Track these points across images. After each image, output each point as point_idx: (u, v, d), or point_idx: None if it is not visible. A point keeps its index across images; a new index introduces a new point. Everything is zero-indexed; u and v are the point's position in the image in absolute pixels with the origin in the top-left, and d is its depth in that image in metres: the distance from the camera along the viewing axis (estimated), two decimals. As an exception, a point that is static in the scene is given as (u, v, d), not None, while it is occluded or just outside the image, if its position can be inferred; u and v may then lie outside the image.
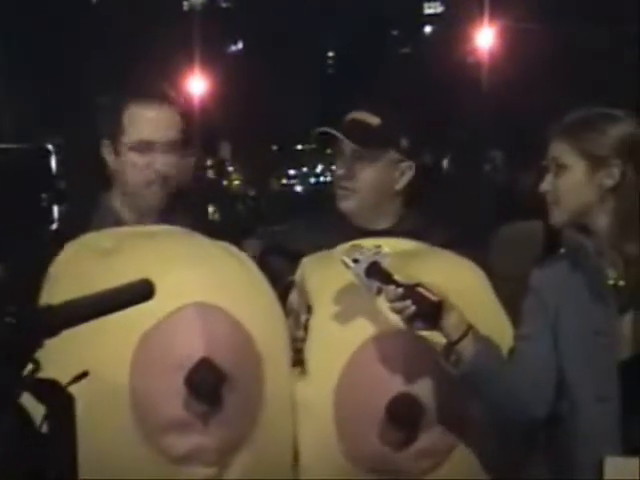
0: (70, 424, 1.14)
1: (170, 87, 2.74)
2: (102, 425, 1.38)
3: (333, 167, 2.93)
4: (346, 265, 2.31)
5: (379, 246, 2.33)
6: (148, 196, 2.61)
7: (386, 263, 2.29)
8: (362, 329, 2.40)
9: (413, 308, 2.23)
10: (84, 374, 1.13)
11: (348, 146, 2.71)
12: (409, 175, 2.77)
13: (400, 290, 2.24)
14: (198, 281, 2.32)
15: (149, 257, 2.32)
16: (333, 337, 2.42)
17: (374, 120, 2.73)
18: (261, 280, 2.48)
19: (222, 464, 2.26)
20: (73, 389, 1.14)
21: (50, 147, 8.49)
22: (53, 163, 8.44)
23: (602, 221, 2.36)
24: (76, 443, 1.15)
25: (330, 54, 41.47)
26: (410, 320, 2.25)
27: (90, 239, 2.42)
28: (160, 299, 1.50)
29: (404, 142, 2.75)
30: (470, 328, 2.27)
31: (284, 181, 34.02)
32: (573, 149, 2.37)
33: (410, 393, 2.30)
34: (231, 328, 2.29)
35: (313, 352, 2.43)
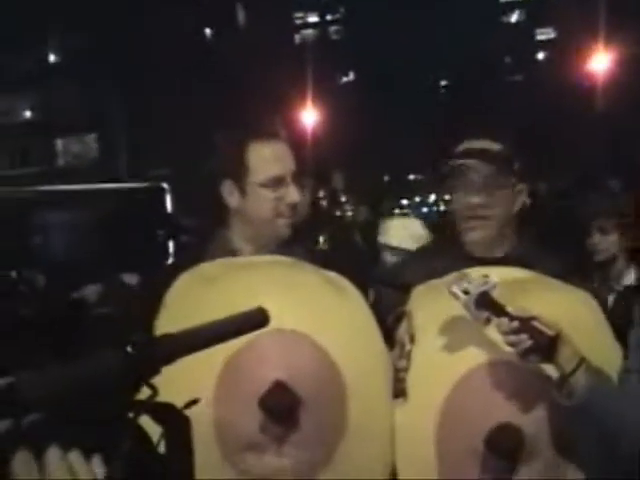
0: (186, 444, 1.20)
1: (285, 120, 2.79)
2: None
3: (446, 197, 2.91)
4: (455, 296, 2.28)
5: (487, 275, 2.30)
6: (279, 229, 2.65)
7: (495, 293, 2.26)
8: (466, 358, 2.38)
9: (529, 342, 2.18)
10: (195, 401, 1.19)
11: (481, 174, 2.69)
12: (522, 199, 2.77)
13: (515, 324, 2.19)
14: (286, 309, 2.32)
15: (244, 285, 2.39)
16: (436, 366, 2.41)
17: (495, 147, 2.73)
18: (361, 310, 2.50)
19: None
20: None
21: (165, 185, 8.71)
22: (168, 201, 8.65)
23: None
24: (192, 462, 1.21)
25: (442, 83, 41.42)
26: (525, 354, 2.22)
27: (202, 269, 2.51)
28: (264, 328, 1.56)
29: (516, 165, 2.74)
30: (583, 360, 2.23)
31: (396, 211, 34.00)
32: None
33: (512, 424, 2.26)
34: (314, 355, 2.31)
35: (415, 380, 2.42)
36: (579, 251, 3.36)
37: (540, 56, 42.30)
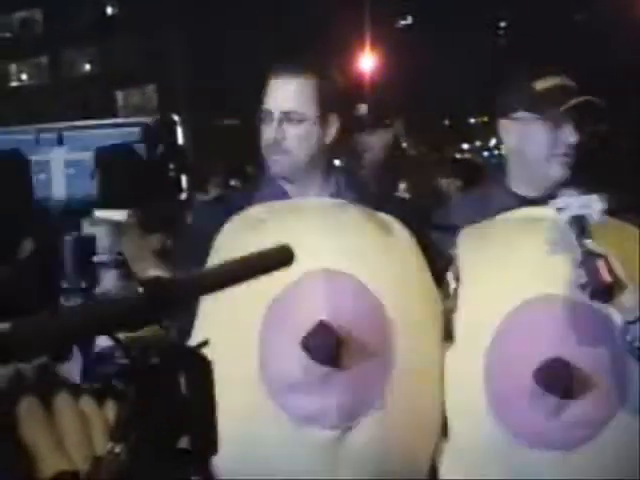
0: (209, 388, 1.15)
1: (318, 59, 2.75)
2: (231, 381, 1.44)
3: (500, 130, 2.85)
4: (556, 208, 2.29)
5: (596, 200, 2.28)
6: (270, 164, 2.67)
7: (591, 220, 2.25)
8: (513, 295, 2.36)
9: (583, 279, 2.16)
10: (205, 342, 1.14)
11: (577, 114, 2.62)
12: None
13: (578, 257, 2.19)
14: (330, 249, 2.35)
15: (291, 228, 2.39)
16: (483, 305, 2.39)
17: (572, 83, 2.68)
18: (410, 251, 2.48)
19: (345, 427, 2.28)
20: (208, 350, 1.16)
21: (175, 118, 8.69)
22: (179, 134, 8.63)
23: None
24: (215, 406, 1.16)
25: (502, 24, 40.84)
26: (582, 289, 2.18)
27: (251, 212, 2.52)
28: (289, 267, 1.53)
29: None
30: None
31: (457, 155, 33.79)
32: None
33: (562, 358, 2.23)
34: (358, 295, 2.30)
35: (462, 319, 2.41)
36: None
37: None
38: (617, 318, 2.25)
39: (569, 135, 2.62)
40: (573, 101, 2.60)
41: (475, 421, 2.35)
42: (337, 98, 2.68)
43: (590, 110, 2.66)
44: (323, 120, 2.64)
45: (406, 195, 5.39)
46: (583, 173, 2.75)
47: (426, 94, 30.08)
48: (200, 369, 1.16)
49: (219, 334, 2.07)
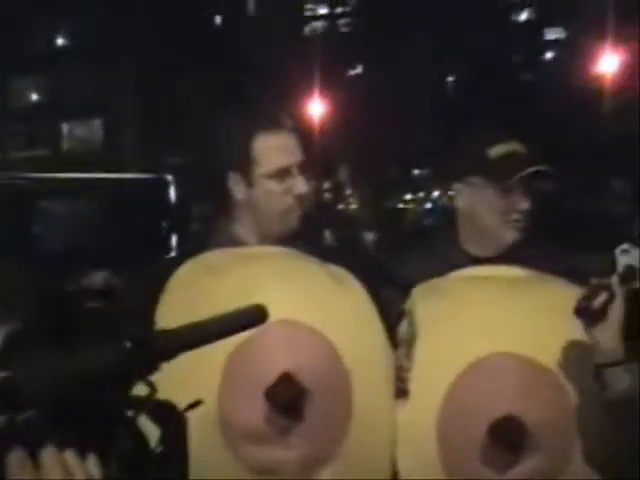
0: (184, 444, 1.17)
1: (294, 111, 2.78)
2: (190, 434, 1.43)
3: (450, 192, 2.91)
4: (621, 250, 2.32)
5: None
6: (288, 221, 2.62)
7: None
8: (468, 352, 2.39)
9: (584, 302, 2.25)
10: (199, 402, 1.17)
11: (529, 180, 2.69)
12: None
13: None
14: (290, 300, 2.35)
15: (246, 276, 2.39)
16: (437, 362, 2.42)
17: (523, 149, 2.75)
18: (364, 304, 2.49)
19: (305, 478, 2.28)
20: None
21: (169, 177, 8.70)
22: (172, 193, 8.64)
23: None
24: (188, 462, 1.19)
25: (449, 79, 41.33)
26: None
27: (206, 257, 2.51)
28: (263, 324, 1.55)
29: None
30: (626, 359, 2.24)
31: (400, 205, 34.02)
32: None
33: (515, 415, 2.27)
34: (319, 346, 2.31)
35: (416, 378, 2.43)
36: (585, 250, 3.35)
37: (548, 55, 42.18)
38: (569, 375, 2.31)
39: (521, 201, 2.70)
40: (526, 171, 2.67)
41: (427, 475, 2.36)
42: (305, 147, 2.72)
43: (540, 176, 2.74)
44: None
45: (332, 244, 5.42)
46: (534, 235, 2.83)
47: (373, 144, 30.27)
48: (176, 424, 1.19)
49: (178, 384, 2.06)
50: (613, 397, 2.24)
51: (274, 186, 2.59)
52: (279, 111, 2.71)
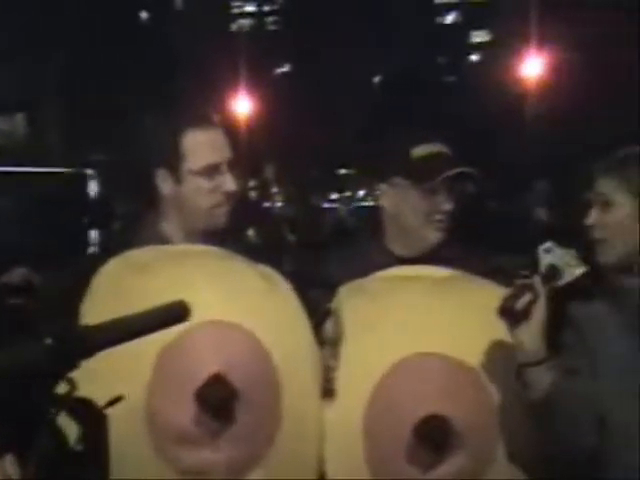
0: (104, 442, 1.16)
1: (222, 108, 2.77)
2: (116, 434, 1.38)
3: (377, 192, 2.92)
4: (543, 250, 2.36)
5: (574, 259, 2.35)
6: (215, 218, 2.61)
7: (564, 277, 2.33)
8: (393, 352, 2.40)
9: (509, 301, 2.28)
10: (118, 398, 1.15)
11: (454, 180, 2.72)
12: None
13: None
14: (219, 300, 2.34)
15: (175, 275, 2.36)
16: (363, 362, 2.43)
17: (447, 150, 2.77)
18: (292, 303, 2.49)
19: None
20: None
21: (88, 171, 8.59)
22: (91, 188, 8.54)
23: None
24: (109, 460, 1.17)
25: (375, 79, 41.55)
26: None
27: (132, 255, 2.47)
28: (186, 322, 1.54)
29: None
30: (547, 358, 2.28)
31: (325, 205, 34.09)
32: (622, 186, 2.37)
33: (439, 414, 2.28)
34: (248, 346, 2.30)
35: (343, 377, 2.43)
36: (507, 250, 3.38)
37: (474, 58, 42.66)
38: (491, 374, 2.34)
39: (444, 202, 2.73)
40: (450, 172, 2.70)
41: (352, 474, 2.37)
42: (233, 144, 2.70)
43: (463, 177, 2.76)
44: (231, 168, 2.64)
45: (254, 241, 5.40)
46: (457, 234, 2.85)
47: (299, 142, 30.30)
48: (96, 421, 1.17)
49: (105, 384, 2.01)
50: (535, 397, 2.27)
51: (203, 183, 2.57)
52: (207, 107, 2.70)
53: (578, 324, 2.43)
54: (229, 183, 2.59)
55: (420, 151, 2.74)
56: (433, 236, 2.75)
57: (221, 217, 2.62)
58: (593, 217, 2.42)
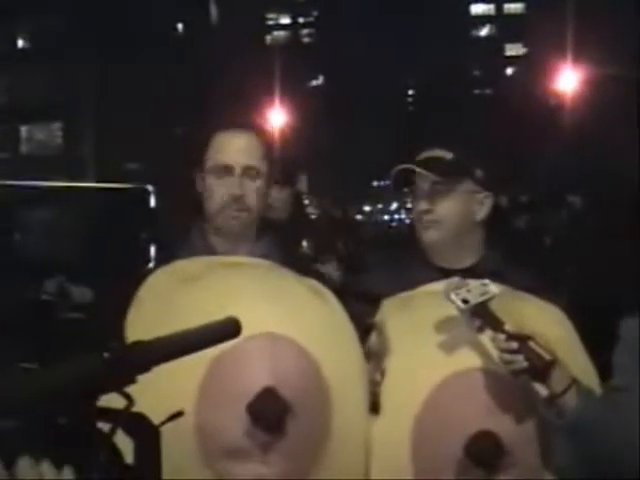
0: (157, 457, 1.16)
1: (256, 116, 2.78)
2: (166, 447, 1.37)
3: (408, 205, 2.93)
4: (453, 303, 2.27)
5: (486, 284, 2.29)
6: (226, 221, 2.59)
7: (493, 304, 2.26)
8: (441, 367, 2.38)
9: (524, 364, 2.19)
10: (180, 413, 1.15)
11: (426, 180, 2.68)
12: (488, 206, 2.75)
13: (513, 344, 2.19)
14: (269, 312, 2.33)
15: (225, 287, 2.36)
16: (411, 377, 2.40)
17: (448, 155, 2.74)
18: (341, 317, 2.47)
19: None
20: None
21: (150, 188, 8.57)
22: (152, 204, 8.53)
23: None
24: (161, 475, 1.17)
25: (410, 92, 41.57)
26: (517, 373, 2.22)
27: (179, 265, 2.47)
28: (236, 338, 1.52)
29: (479, 173, 2.73)
30: (574, 382, 2.22)
31: (358, 217, 34.09)
32: None
33: (490, 431, 2.26)
34: (299, 359, 2.29)
35: (390, 391, 2.40)
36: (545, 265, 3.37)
37: (509, 71, 42.58)
38: (542, 391, 2.29)
39: (420, 202, 2.70)
40: (399, 167, 2.69)
41: None
42: (269, 153, 2.70)
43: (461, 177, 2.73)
44: (270, 176, 2.65)
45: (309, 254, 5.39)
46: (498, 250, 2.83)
47: (332, 154, 30.35)
48: (150, 437, 1.17)
49: (154, 398, 1.99)
50: (570, 419, 2.22)
51: (213, 182, 2.59)
52: (242, 114, 2.72)
53: (630, 340, 2.38)
54: (234, 187, 2.57)
55: (420, 157, 2.75)
56: (424, 237, 2.72)
57: (230, 220, 2.59)
58: None
